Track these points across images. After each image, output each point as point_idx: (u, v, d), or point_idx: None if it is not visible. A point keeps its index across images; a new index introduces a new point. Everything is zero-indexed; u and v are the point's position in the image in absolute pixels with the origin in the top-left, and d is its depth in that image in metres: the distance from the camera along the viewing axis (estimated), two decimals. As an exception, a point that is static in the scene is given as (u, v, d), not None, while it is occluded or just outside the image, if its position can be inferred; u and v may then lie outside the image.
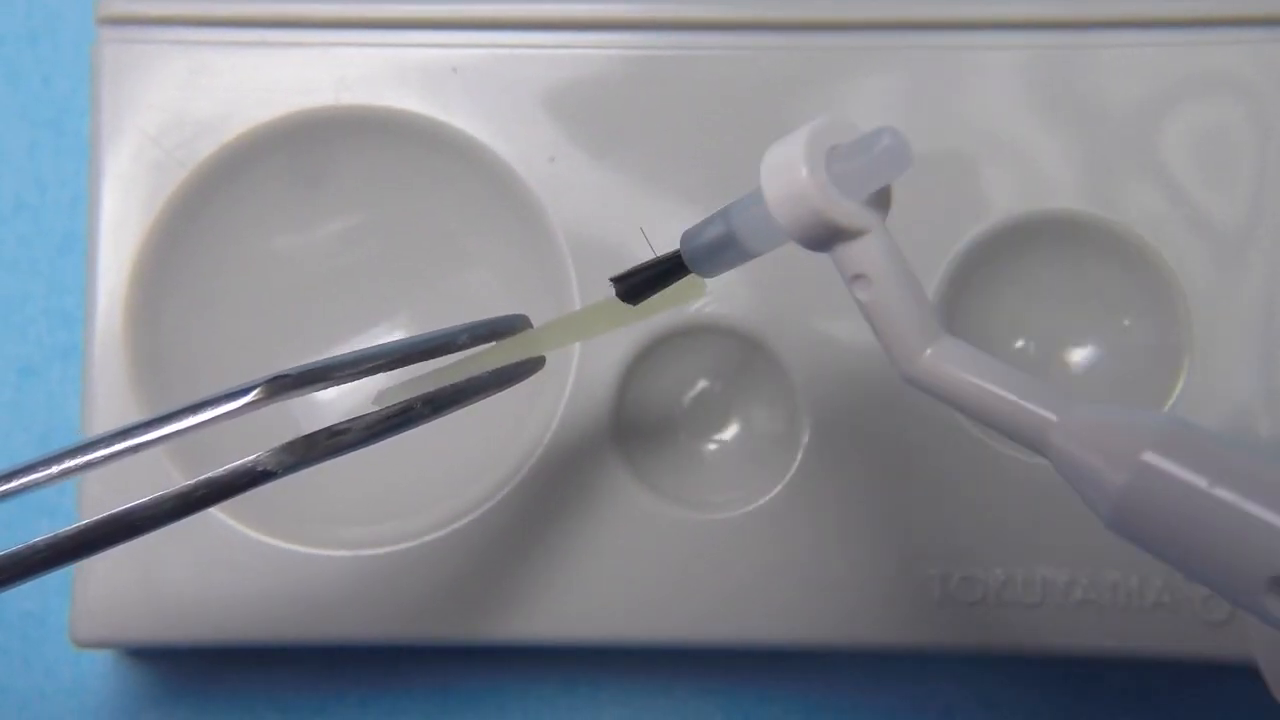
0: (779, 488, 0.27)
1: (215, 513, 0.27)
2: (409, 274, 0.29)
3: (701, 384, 0.29)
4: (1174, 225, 0.27)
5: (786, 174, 0.19)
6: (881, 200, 0.20)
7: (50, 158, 0.31)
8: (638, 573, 0.27)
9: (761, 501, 0.27)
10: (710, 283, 0.27)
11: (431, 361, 0.22)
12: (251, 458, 0.19)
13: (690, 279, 0.22)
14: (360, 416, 0.20)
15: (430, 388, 0.22)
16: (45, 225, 0.31)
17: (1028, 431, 0.18)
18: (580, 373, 0.27)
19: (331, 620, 0.27)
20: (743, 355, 0.28)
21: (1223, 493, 0.16)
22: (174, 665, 0.30)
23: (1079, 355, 0.28)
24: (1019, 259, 0.28)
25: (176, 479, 0.26)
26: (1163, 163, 0.27)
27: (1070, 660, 0.28)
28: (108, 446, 0.19)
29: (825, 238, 0.20)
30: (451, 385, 0.22)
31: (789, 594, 0.27)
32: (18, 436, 0.30)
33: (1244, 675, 0.29)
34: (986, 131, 0.27)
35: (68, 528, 0.18)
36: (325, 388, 0.20)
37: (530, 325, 0.24)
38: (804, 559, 0.27)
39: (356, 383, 0.21)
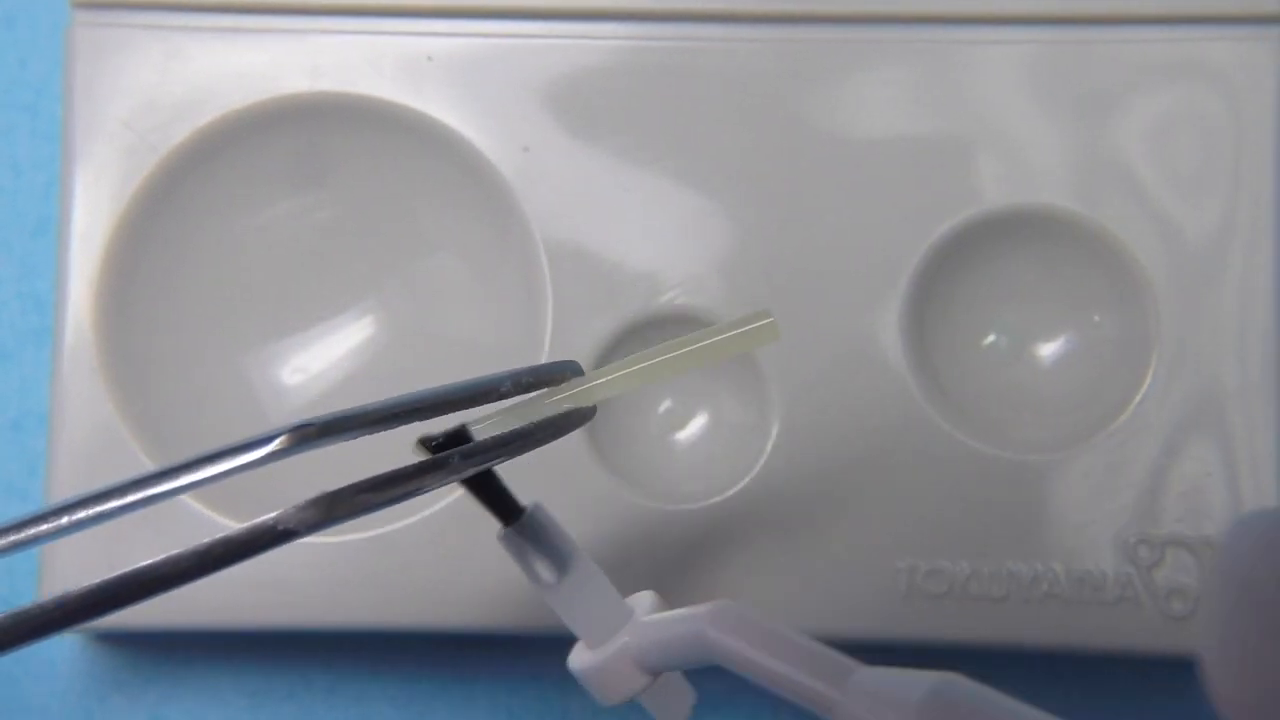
0: (747, 479, 0.27)
1: (183, 497, 0.27)
2: (381, 260, 0.29)
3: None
4: (1145, 221, 0.27)
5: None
6: None
7: (26, 141, 0.31)
8: (603, 562, 0.27)
9: (730, 493, 0.27)
10: (680, 274, 0.27)
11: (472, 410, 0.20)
12: (272, 516, 0.18)
13: (767, 323, 0.21)
14: (389, 472, 0.18)
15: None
16: (19, 209, 0.31)
17: (819, 702, 0.19)
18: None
19: (300, 606, 0.27)
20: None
21: None
22: (142, 649, 0.30)
23: (1048, 350, 0.28)
24: (991, 253, 0.28)
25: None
26: (1135, 158, 0.27)
27: (1035, 654, 0.28)
28: (114, 500, 0.17)
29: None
30: (493, 437, 0.20)
31: (754, 585, 0.27)
32: (-11, 421, 0.30)
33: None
34: (963, 125, 0.27)
35: (79, 588, 0.17)
36: (354, 437, 0.18)
37: (581, 372, 0.21)
38: (771, 551, 0.27)
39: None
